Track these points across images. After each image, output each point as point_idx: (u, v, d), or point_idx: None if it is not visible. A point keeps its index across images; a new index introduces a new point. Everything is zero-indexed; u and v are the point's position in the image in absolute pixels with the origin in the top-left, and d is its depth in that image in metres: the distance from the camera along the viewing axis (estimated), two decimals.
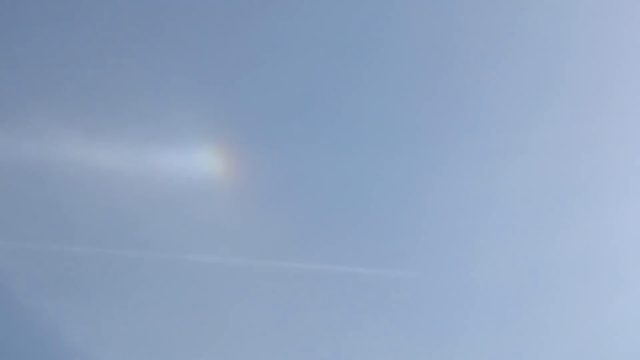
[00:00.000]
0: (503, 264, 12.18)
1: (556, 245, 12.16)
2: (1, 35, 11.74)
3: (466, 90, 12.34)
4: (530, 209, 12.29)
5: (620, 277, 12.21)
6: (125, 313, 11.82)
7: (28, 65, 11.75)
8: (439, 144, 12.41)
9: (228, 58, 12.13)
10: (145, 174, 11.84)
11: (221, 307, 11.99)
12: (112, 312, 11.80)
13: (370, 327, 12.04)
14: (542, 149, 12.23)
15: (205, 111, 12.01)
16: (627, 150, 12.27)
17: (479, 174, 12.24)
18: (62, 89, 11.78)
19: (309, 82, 12.31)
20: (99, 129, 11.78)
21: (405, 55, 12.38)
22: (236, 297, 12.03)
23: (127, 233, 11.90)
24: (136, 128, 11.87)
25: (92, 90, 11.82)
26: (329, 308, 12.11)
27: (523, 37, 12.31)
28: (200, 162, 11.98)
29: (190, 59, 12.01)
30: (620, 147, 12.30)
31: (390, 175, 12.41)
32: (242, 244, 12.07)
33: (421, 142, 12.42)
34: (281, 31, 12.25)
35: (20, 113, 11.69)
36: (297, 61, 12.23)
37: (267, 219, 12.11)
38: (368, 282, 12.22)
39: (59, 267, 11.79)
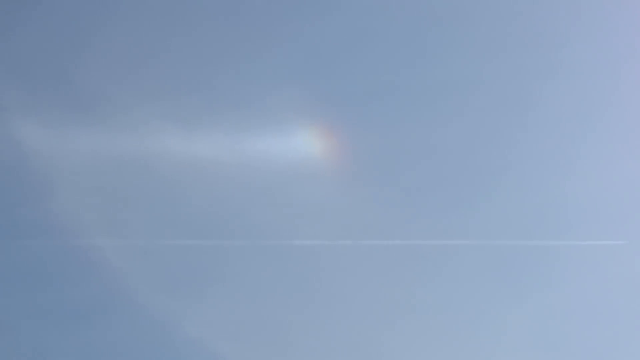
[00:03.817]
0: None
1: None
2: (97, 35, 11.95)
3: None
4: None
5: None
6: (236, 302, 11.79)
7: (122, 62, 11.94)
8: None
9: (323, 40, 12.19)
10: (246, 162, 11.88)
11: (332, 290, 11.89)
12: (222, 303, 11.78)
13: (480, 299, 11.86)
14: None
15: (301, 93, 12.03)
16: None
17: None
18: (156, 82, 11.94)
19: (406, 60, 12.33)
20: (196, 119, 11.90)
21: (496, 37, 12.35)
22: (346, 280, 11.93)
23: (232, 223, 11.92)
24: (234, 115, 11.95)
25: (187, 81, 11.96)
26: (441, 282, 11.95)
27: None
28: (300, 145, 11.98)
29: (285, 42, 12.09)
30: None
31: (491, 146, 12.29)
32: (347, 225, 12.00)
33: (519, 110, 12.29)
34: (375, 13, 12.30)
35: (119, 110, 11.87)
36: (393, 37, 12.27)
37: (371, 198, 12.03)
38: (472, 253, 12.03)
39: (166, 262, 11.83)
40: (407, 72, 12.33)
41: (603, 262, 11.88)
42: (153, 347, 11.60)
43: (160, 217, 11.89)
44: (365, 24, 12.29)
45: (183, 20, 12.02)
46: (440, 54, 12.37)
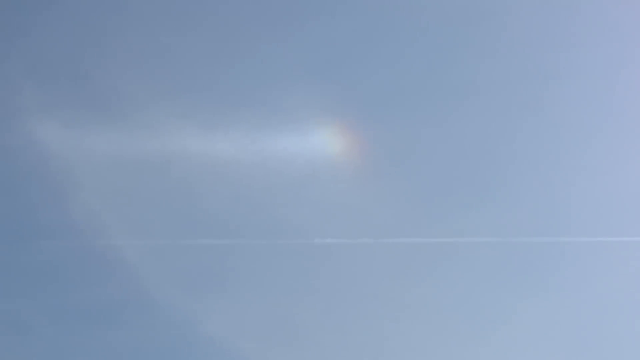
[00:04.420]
0: None
1: None
2: (115, 35, 12.01)
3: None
4: None
5: None
6: (257, 301, 11.75)
7: (141, 62, 12.00)
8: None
9: (342, 40, 12.18)
10: (265, 160, 11.88)
11: (353, 288, 11.84)
12: (242, 302, 11.74)
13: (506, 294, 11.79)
14: None
15: (319, 92, 12.02)
16: None
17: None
18: (175, 82, 11.97)
19: (424, 60, 12.32)
20: (215, 119, 11.91)
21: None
22: (366, 278, 11.88)
23: (251, 222, 11.91)
24: (252, 114, 11.96)
25: (205, 80, 11.97)
26: (462, 279, 11.88)
27: None
28: (319, 144, 11.95)
29: (304, 43, 12.12)
30: None
31: (508, 145, 12.24)
32: (367, 223, 11.95)
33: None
34: (391, 16, 12.28)
35: (137, 110, 11.89)
36: (413, 38, 12.27)
37: (391, 196, 11.98)
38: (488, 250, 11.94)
39: (185, 261, 11.82)
40: (424, 72, 12.36)
41: (623, 259, 11.80)
42: (173, 345, 11.59)
43: (179, 217, 11.89)
44: (383, 25, 12.29)
45: (202, 20, 12.07)
46: (459, 55, 12.39)
